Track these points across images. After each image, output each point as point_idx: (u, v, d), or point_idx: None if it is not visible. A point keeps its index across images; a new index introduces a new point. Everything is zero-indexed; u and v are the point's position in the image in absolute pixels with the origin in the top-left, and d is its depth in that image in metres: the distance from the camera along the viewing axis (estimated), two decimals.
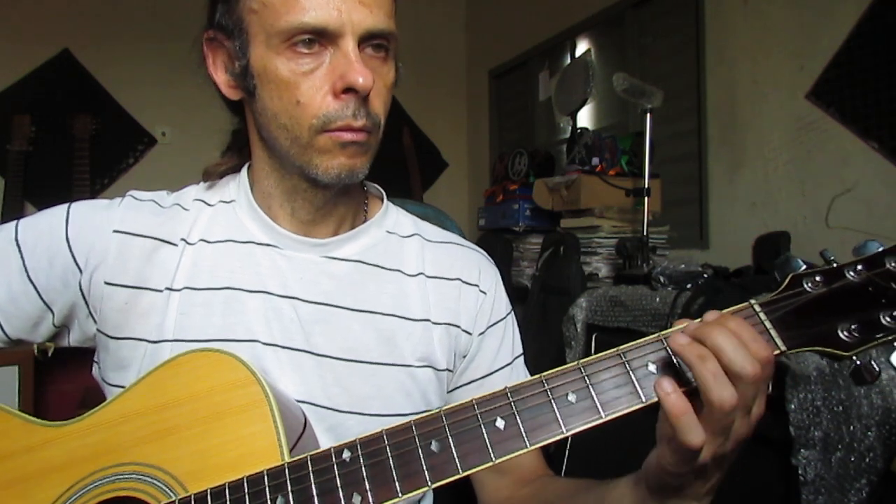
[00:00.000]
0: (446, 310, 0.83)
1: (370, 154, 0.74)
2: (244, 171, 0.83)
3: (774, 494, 1.38)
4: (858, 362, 0.56)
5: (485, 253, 0.90)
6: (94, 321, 0.77)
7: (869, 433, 1.26)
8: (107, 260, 0.75)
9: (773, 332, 0.57)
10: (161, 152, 3.67)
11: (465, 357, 0.84)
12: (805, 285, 0.58)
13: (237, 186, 0.82)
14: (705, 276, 1.82)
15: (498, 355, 0.86)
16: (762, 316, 0.58)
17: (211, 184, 0.84)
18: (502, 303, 0.88)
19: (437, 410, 0.58)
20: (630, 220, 2.50)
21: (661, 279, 1.87)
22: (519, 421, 0.56)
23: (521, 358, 0.90)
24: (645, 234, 2.31)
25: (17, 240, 0.76)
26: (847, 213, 2.12)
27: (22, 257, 0.75)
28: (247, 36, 0.71)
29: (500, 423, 0.56)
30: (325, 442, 0.74)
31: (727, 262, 2.03)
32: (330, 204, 0.78)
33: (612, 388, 0.57)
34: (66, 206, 0.79)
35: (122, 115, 3.60)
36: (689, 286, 1.76)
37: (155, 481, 0.63)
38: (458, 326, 0.83)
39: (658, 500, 0.61)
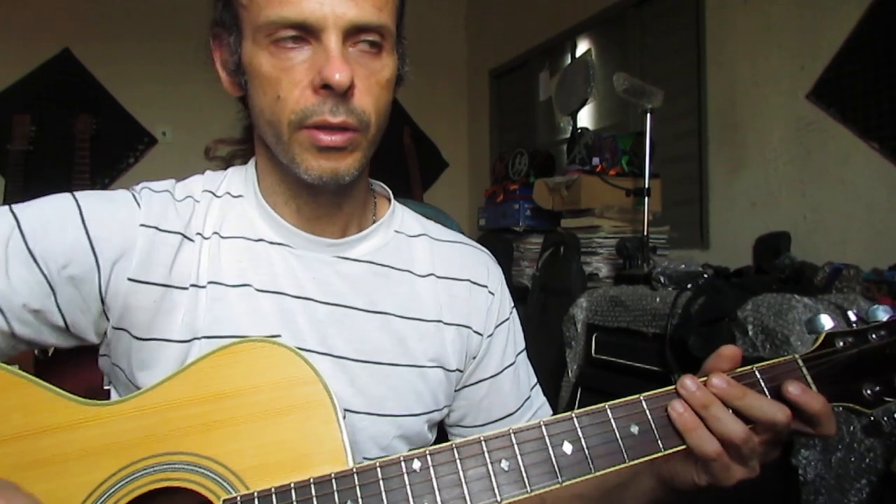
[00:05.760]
0: (457, 311, 0.82)
1: (358, 154, 0.71)
2: (251, 165, 0.81)
3: (774, 494, 1.38)
4: (872, 417, 0.63)
5: (488, 251, 0.91)
6: (107, 319, 0.73)
7: None
8: (131, 255, 0.71)
9: (814, 387, 0.63)
10: (161, 152, 3.67)
11: (474, 358, 0.84)
12: (837, 344, 0.65)
13: (244, 180, 0.80)
14: (705, 276, 1.82)
15: (505, 354, 0.86)
16: (804, 371, 0.63)
17: (216, 174, 0.82)
18: (507, 301, 0.88)
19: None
20: (630, 220, 2.50)
21: (662, 279, 1.87)
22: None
23: (524, 353, 0.90)
24: (645, 234, 2.32)
25: (21, 230, 0.68)
26: (847, 214, 2.12)
27: (27, 245, 0.68)
28: (239, 31, 0.71)
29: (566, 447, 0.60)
30: None
31: (727, 262, 2.03)
32: (333, 203, 0.77)
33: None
34: (70, 197, 0.72)
35: (123, 114, 3.61)
36: (689, 286, 1.76)
37: (211, 474, 0.61)
38: (470, 328, 0.83)
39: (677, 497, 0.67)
